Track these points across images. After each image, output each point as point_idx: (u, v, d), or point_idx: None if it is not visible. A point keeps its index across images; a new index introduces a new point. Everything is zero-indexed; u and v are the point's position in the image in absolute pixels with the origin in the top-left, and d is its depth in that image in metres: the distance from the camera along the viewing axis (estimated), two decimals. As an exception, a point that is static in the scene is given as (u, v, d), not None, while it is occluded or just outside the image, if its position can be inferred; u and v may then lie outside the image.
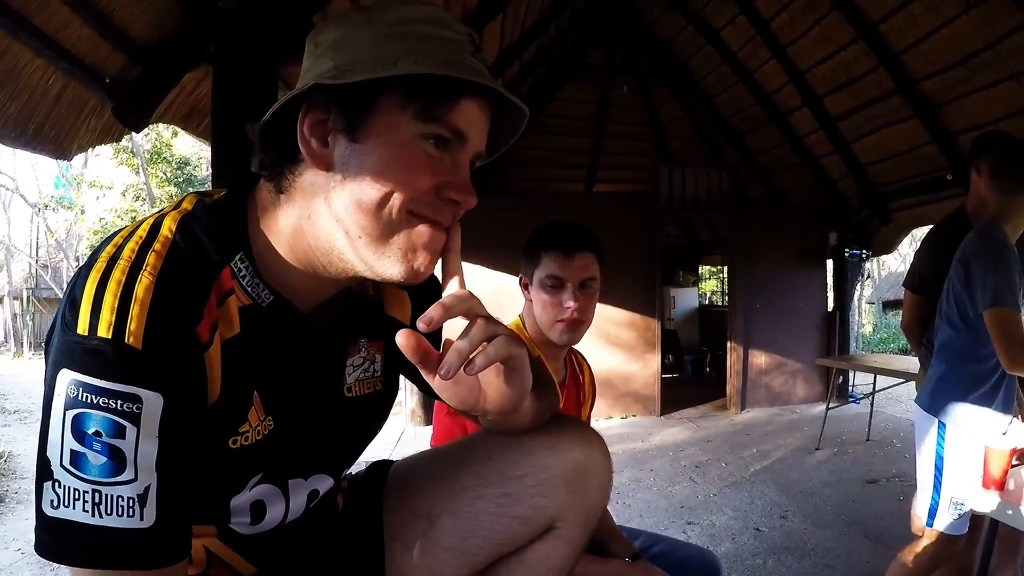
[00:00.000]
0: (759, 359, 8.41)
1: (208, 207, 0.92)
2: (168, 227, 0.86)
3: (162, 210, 0.92)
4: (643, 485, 5.13)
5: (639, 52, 9.57)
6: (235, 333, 0.90)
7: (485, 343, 0.83)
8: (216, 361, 0.86)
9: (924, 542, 2.54)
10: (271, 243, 0.93)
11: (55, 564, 0.78)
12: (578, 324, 1.80)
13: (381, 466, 1.34)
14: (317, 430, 1.06)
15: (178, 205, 0.92)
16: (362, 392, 1.13)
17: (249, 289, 0.92)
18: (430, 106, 0.86)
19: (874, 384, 7.04)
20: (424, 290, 1.15)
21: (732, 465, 5.80)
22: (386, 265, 0.89)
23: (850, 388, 8.91)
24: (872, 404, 7.04)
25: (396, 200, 0.86)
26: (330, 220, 0.88)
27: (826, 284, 9.02)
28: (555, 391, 1.22)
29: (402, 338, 0.80)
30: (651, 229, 8.01)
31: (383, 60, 0.83)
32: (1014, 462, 2.22)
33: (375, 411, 1.18)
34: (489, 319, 0.85)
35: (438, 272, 0.99)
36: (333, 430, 1.10)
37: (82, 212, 22.69)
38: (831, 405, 6.88)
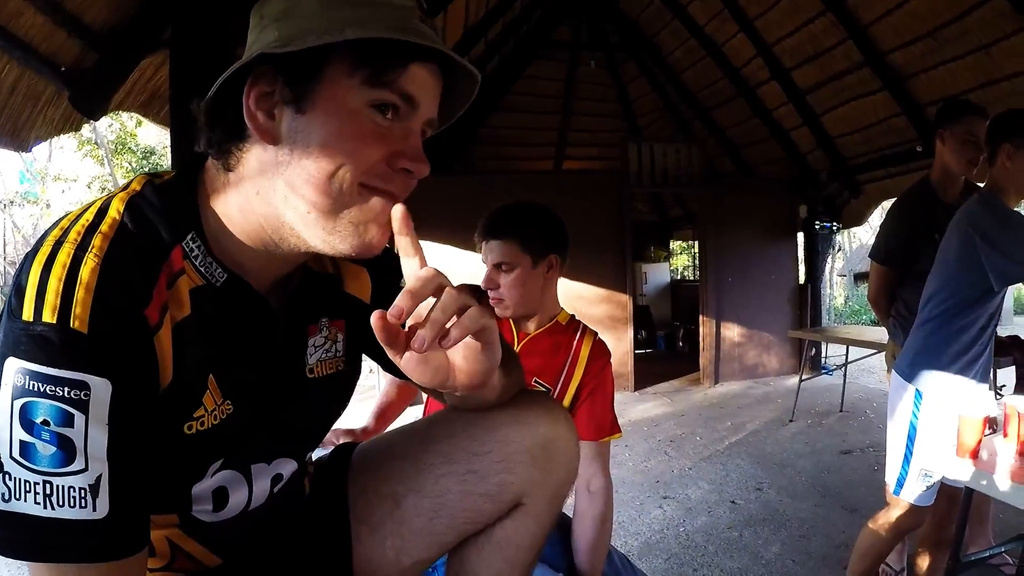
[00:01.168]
0: (731, 333, 8.43)
1: (158, 188, 0.90)
2: (116, 209, 0.84)
3: (111, 192, 0.89)
4: (618, 461, 5.11)
5: (606, 28, 9.51)
6: (186, 315, 0.87)
7: (457, 316, 0.80)
8: (167, 344, 0.84)
9: (892, 511, 2.56)
10: (222, 222, 0.91)
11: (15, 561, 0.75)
12: (497, 301, 1.94)
13: (346, 448, 1.32)
14: (278, 413, 1.03)
15: (127, 187, 0.90)
16: (324, 373, 1.11)
17: (202, 269, 0.90)
18: (379, 71, 0.83)
19: (846, 355, 7.10)
20: (383, 266, 1.14)
21: (707, 439, 5.82)
22: (338, 240, 0.87)
23: (823, 360, 8.98)
24: (845, 375, 7.09)
25: (346, 173, 0.84)
26: (279, 196, 0.86)
27: (797, 257, 9.05)
28: (519, 366, 1.20)
29: (374, 318, 0.76)
30: (621, 205, 7.97)
31: (330, 27, 0.81)
32: (987, 431, 2.23)
33: (338, 392, 1.16)
34: (460, 290, 0.82)
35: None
36: (295, 412, 1.07)
37: (48, 207, 22.32)
38: (804, 377, 6.92)
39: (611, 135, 10.46)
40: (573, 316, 2.14)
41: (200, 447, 0.92)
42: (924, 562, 2.68)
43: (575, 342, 2.07)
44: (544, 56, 9.51)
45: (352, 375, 1.18)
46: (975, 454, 2.03)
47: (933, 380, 2.39)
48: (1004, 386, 4.18)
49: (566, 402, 2.01)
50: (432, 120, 0.93)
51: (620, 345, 7.87)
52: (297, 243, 0.90)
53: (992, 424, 2.23)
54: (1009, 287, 2.35)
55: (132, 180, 0.92)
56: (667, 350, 11.39)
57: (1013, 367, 4.42)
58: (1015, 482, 1.88)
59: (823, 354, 9.10)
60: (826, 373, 8.45)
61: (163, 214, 0.86)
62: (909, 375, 2.45)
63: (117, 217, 0.82)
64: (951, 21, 5.44)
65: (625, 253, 7.94)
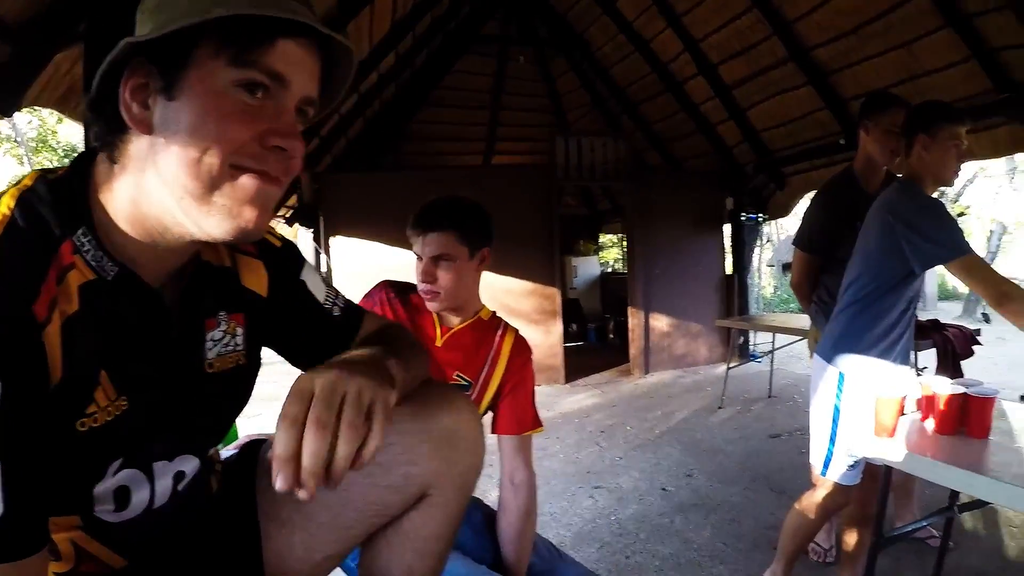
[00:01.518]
0: (660, 323, 8.55)
1: (50, 183, 0.89)
2: (6, 204, 0.83)
3: (3, 189, 0.87)
4: (549, 453, 5.15)
5: (535, 23, 9.52)
6: (76, 310, 0.85)
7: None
8: (56, 340, 0.81)
9: (819, 491, 2.63)
10: (111, 215, 0.89)
11: None
12: (432, 294, 1.94)
13: (254, 445, 1.29)
14: (177, 409, 1.01)
15: (19, 182, 0.88)
16: (224, 367, 1.09)
17: (93, 263, 0.87)
18: (244, 49, 0.83)
19: (773, 342, 7.25)
20: (279, 258, 1.14)
21: (637, 428, 5.89)
22: (212, 224, 0.86)
23: (751, 348, 9.18)
24: (772, 362, 7.25)
25: (214, 154, 0.83)
26: (158, 185, 0.86)
27: (724, 248, 9.22)
28: (422, 359, 1.22)
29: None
30: (549, 199, 7.99)
31: (197, 10, 0.80)
32: (906, 411, 2.30)
33: (239, 386, 1.15)
34: (330, 409, 0.84)
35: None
36: (195, 408, 1.05)
37: (-35, 207, 21.54)
38: (732, 365, 7.06)
39: (540, 130, 10.47)
40: (495, 313, 2.16)
41: (97, 445, 0.90)
42: (851, 539, 2.76)
43: (497, 338, 2.09)
44: (473, 51, 9.49)
45: (252, 369, 1.17)
46: (892, 433, 2.09)
47: (855, 363, 2.46)
48: (925, 368, 4.32)
49: (488, 397, 2.04)
50: (309, 98, 0.92)
51: (550, 338, 7.92)
52: (180, 232, 0.89)
53: (911, 404, 2.31)
54: (928, 273, 2.43)
55: (25, 176, 0.90)
56: (598, 342, 11.48)
57: (934, 349, 4.58)
58: (930, 458, 1.95)
59: (752, 342, 9.30)
60: (755, 360, 8.63)
61: (54, 208, 0.85)
62: (832, 358, 2.52)
63: (7, 213, 0.82)
64: (874, 18, 5.60)
65: (553, 247, 7.97)
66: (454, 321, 2.05)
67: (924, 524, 2.71)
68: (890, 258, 2.38)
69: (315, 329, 1.21)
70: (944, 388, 2.15)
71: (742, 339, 8.99)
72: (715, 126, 8.46)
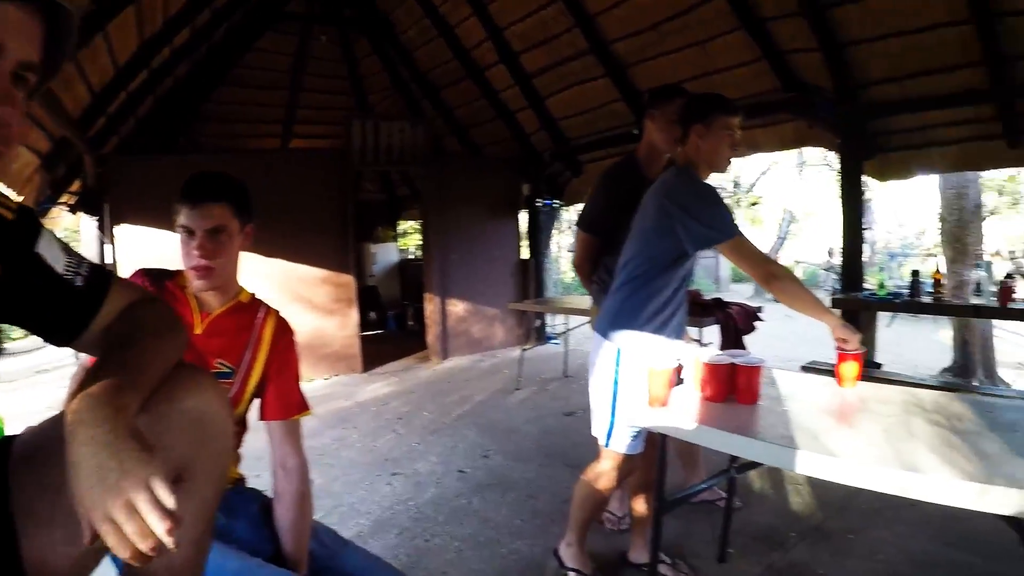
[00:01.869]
0: (458, 309, 8.60)
1: None
2: None
3: None
4: (347, 443, 5.08)
5: (340, 2, 9.23)
6: None
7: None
8: None
9: (604, 462, 2.74)
10: None
11: None
12: (207, 271, 1.86)
13: (5, 441, 1.18)
14: None
15: None
16: None
17: None
18: None
19: (567, 324, 7.49)
20: (9, 229, 1.05)
21: (435, 413, 5.92)
22: None
23: (548, 330, 9.40)
24: (567, 343, 7.49)
25: None
26: None
27: (520, 233, 9.42)
28: (173, 340, 1.17)
29: None
30: (345, 185, 7.83)
31: None
32: (683, 382, 2.44)
33: None
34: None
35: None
36: None
37: None
38: (526, 347, 7.31)
39: (340, 113, 10.10)
40: (255, 295, 2.07)
41: None
42: (640, 505, 2.91)
43: (258, 321, 2.01)
44: (274, 28, 9.07)
45: None
46: (665, 402, 2.20)
47: (631, 339, 2.58)
48: (711, 343, 4.61)
49: (252, 383, 1.96)
50: (28, 63, 0.87)
51: (346, 327, 7.76)
52: None
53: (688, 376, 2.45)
54: (722, 257, 2.58)
55: None
56: (398, 330, 11.41)
57: (717, 326, 4.88)
58: (701, 424, 2.07)
59: (548, 324, 9.53)
60: (551, 342, 8.85)
61: None
62: (609, 334, 2.63)
63: None
64: (673, 16, 5.93)
65: (349, 233, 7.79)
66: (214, 305, 1.96)
67: (703, 487, 2.89)
68: (664, 239, 2.50)
69: (55, 303, 1.12)
70: (713, 359, 2.29)
71: (539, 322, 9.23)
72: (514, 113, 8.61)
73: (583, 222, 3.27)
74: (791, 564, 3.11)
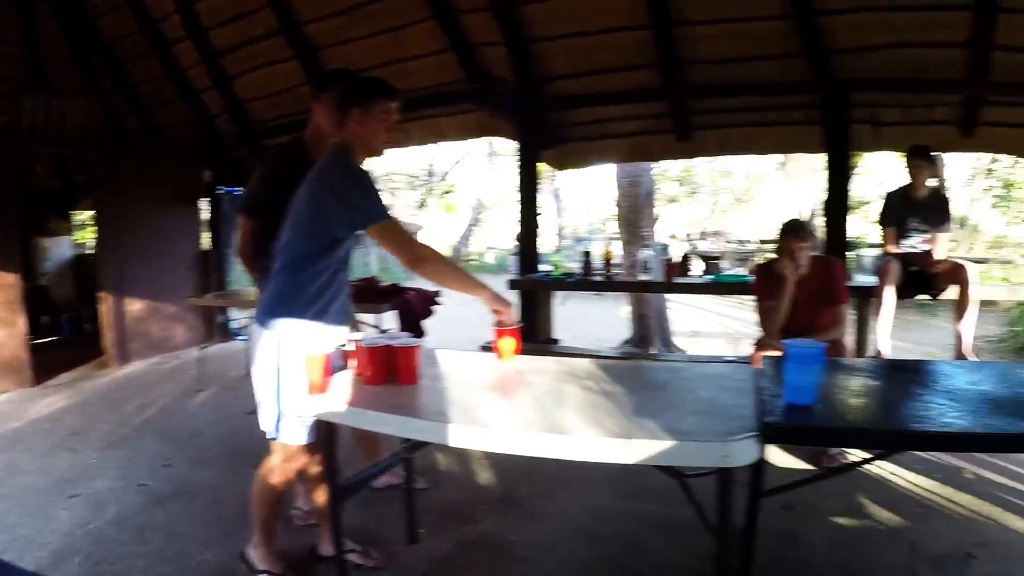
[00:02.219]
0: (135, 307, 7.90)
1: None
2: None
3: None
4: (20, 468, 4.49)
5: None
6: None
7: None
8: None
9: (275, 455, 2.69)
10: None
11: None
12: None
13: None
14: None
15: None
16: None
17: None
18: None
19: (252, 318, 7.19)
20: None
21: (112, 424, 5.45)
22: None
23: (234, 325, 9.02)
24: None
25: None
26: None
27: (200, 223, 8.94)
28: None
29: None
30: (11, 169, 6.86)
31: None
32: (348, 367, 2.43)
33: None
34: None
35: None
36: None
37: None
38: (205, 345, 7.09)
39: (10, 85, 8.47)
40: None
41: None
42: (321, 496, 2.88)
43: None
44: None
45: None
46: (323, 389, 2.19)
47: (291, 326, 2.53)
48: (389, 329, 4.65)
49: None
50: None
51: (12, 336, 6.75)
52: None
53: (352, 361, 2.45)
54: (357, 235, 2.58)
55: None
56: (73, 334, 10.25)
57: (396, 311, 4.93)
58: (361, 408, 2.08)
59: (233, 319, 9.12)
60: (238, 337, 8.50)
61: None
62: (269, 323, 2.56)
63: None
64: (367, 2, 5.92)
65: (13, 226, 6.76)
66: None
67: (376, 471, 2.92)
68: (318, 223, 2.48)
69: None
70: (370, 342, 2.32)
71: (223, 317, 8.84)
72: (199, 93, 8.12)
73: (245, 206, 3.18)
74: (482, 535, 3.25)
